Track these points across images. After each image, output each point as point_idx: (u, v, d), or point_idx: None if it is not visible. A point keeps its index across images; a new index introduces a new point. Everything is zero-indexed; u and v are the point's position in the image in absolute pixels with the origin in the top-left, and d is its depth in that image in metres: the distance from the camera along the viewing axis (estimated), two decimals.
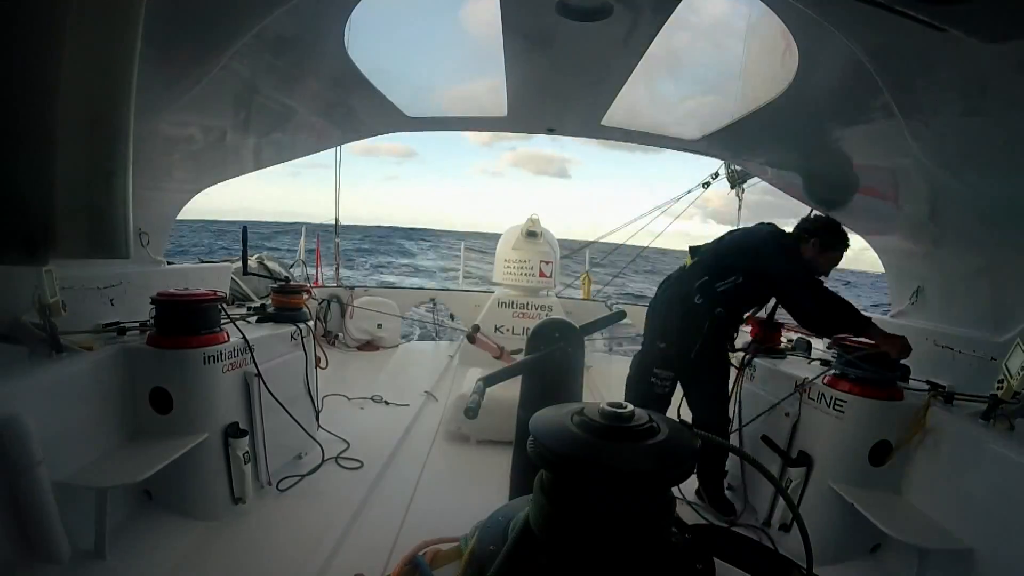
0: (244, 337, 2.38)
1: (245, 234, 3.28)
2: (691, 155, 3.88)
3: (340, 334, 5.46)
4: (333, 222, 6.24)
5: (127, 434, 2.13)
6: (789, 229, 2.54)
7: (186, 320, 2.22)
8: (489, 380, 1.51)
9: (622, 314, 2.42)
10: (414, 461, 2.98)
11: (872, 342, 2.18)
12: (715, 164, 5.32)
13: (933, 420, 2.07)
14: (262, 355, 2.48)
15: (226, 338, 2.31)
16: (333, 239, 6.35)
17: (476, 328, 3.99)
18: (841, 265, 2.51)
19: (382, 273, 26.82)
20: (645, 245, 6.37)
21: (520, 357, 1.80)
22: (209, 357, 2.20)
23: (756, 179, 4.79)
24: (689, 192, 6.10)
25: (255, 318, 2.80)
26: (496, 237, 5.69)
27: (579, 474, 0.56)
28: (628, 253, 6.94)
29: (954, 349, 2.46)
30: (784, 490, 0.83)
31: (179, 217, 3.16)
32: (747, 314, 2.79)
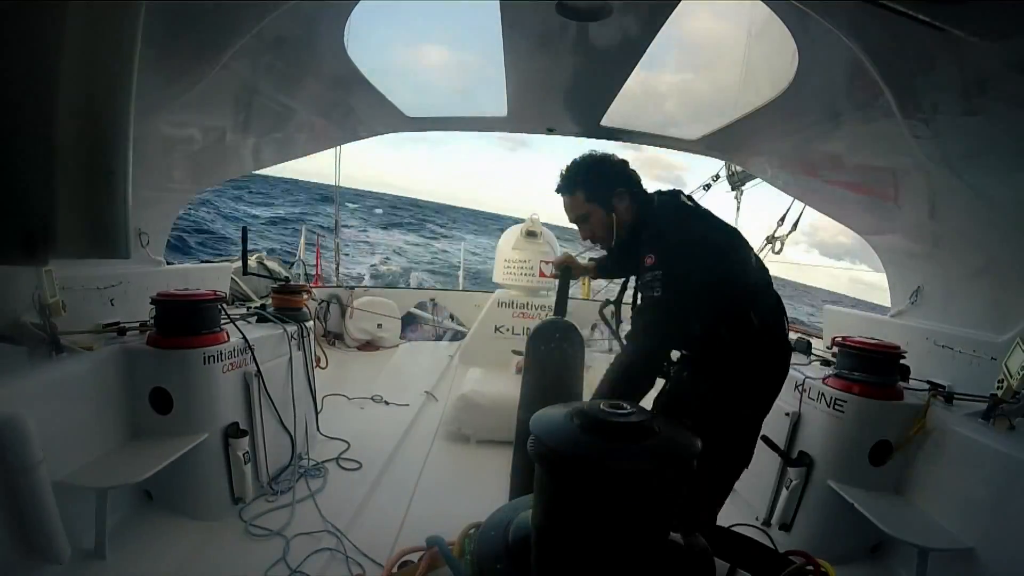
0: (244, 337, 2.38)
1: (245, 234, 3.27)
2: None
3: (340, 334, 5.46)
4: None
5: (127, 434, 2.13)
6: None
7: (186, 320, 2.21)
8: None
9: None
10: (414, 461, 2.97)
11: (874, 342, 2.20)
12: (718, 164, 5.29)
13: (933, 420, 2.07)
14: (262, 355, 2.48)
15: (226, 338, 2.31)
16: (334, 239, 6.35)
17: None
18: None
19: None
20: None
21: (520, 357, 1.80)
22: (209, 357, 2.20)
23: (757, 179, 4.77)
24: (690, 192, 6.09)
25: (255, 318, 2.80)
26: None
27: (578, 473, 0.56)
28: None
29: (954, 349, 2.46)
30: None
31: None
32: None
